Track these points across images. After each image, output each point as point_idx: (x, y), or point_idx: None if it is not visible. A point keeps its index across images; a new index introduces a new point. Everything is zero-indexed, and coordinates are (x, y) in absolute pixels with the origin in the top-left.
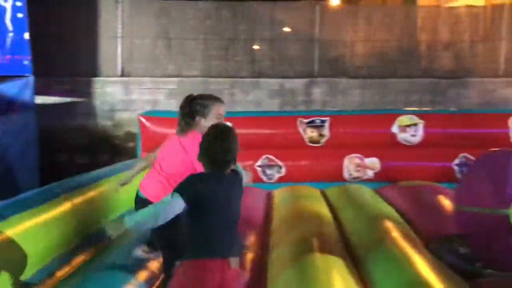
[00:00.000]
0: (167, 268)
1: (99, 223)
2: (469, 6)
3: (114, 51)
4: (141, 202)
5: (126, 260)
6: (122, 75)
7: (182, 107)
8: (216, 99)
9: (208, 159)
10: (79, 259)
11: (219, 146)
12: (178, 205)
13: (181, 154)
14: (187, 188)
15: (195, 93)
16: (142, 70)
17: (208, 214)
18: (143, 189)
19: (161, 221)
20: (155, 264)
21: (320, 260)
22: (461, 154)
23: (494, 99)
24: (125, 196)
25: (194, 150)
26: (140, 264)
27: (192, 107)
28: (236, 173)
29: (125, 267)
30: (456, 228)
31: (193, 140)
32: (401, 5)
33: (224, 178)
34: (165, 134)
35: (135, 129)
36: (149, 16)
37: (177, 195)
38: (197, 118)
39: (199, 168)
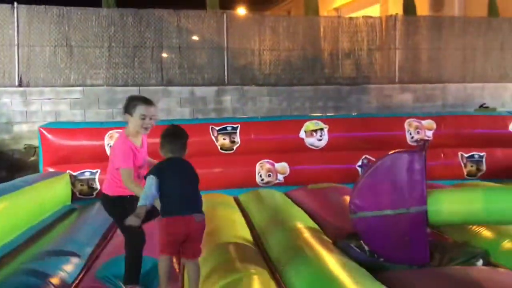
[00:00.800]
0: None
1: None
2: (366, 17)
3: (10, 60)
4: (103, 198)
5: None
6: (20, 85)
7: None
8: (143, 100)
9: (169, 149)
10: None
11: (177, 140)
12: (155, 184)
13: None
14: (159, 171)
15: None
16: (42, 80)
17: (171, 186)
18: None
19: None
20: None
21: (238, 267)
22: (363, 156)
23: (391, 104)
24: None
25: (115, 152)
26: None
27: (126, 106)
28: (185, 160)
29: None
30: (361, 235)
31: (117, 143)
32: (304, 15)
33: (179, 162)
34: (68, 147)
35: (36, 142)
36: (48, 23)
37: (152, 177)
38: (126, 116)
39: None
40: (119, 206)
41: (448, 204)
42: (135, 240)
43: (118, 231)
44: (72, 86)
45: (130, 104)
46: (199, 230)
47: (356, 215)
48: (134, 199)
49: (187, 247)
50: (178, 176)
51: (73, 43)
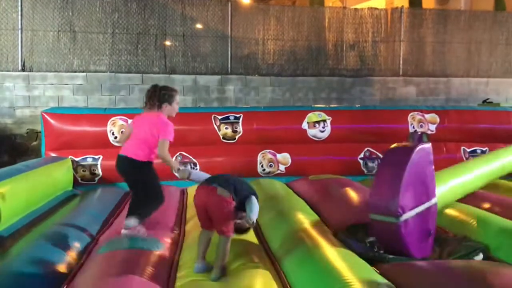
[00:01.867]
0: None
1: None
2: (372, 9)
3: (14, 44)
4: (127, 161)
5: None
6: (23, 70)
7: (150, 95)
8: (176, 90)
9: None
10: None
11: None
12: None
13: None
14: None
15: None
16: (45, 65)
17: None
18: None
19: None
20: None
21: (236, 257)
22: (365, 148)
23: (394, 96)
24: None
25: (162, 127)
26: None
27: (160, 96)
28: None
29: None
30: (405, 239)
31: (164, 120)
32: (310, 5)
33: None
34: (70, 132)
35: (38, 126)
36: (52, 8)
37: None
38: (164, 105)
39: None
40: (149, 168)
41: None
42: (159, 200)
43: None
44: (75, 71)
45: (167, 94)
46: (218, 204)
47: (400, 218)
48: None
49: (214, 223)
50: None
51: (77, 29)
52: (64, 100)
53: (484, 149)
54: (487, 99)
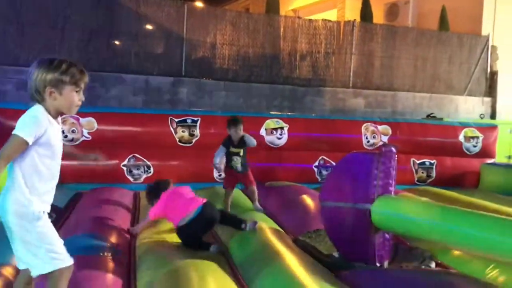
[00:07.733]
0: None
1: None
2: (325, 20)
3: None
4: None
5: None
6: None
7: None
8: None
9: None
10: None
11: None
12: None
13: None
14: None
15: None
16: None
17: None
18: None
19: None
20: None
21: (192, 263)
22: (320, 157)
23: (344, 108)
24: None
25: None
26: None
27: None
28: None
29: None
30: (322, 223)
31: None
32: (265, 13)
33: None
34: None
35: None
36: None
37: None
38: None
39: None
40: None
41: (392, 210)
42: None
43: None
44: (22, 66)
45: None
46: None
47: (321, 203)
48: None
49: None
50: None
51: (25, 22)
52: (6, 95)
53: (432, 161)
54: (431, 113)
